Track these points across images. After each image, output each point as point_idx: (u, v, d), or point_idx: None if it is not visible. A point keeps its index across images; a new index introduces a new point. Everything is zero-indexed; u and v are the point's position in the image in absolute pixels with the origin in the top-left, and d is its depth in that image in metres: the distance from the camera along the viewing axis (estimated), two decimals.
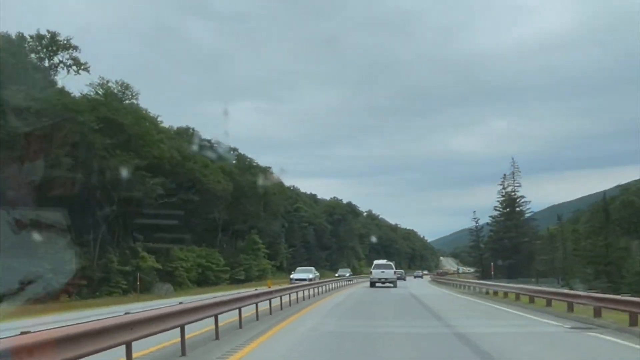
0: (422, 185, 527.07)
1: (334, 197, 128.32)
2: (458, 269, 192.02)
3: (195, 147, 60.12)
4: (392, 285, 40.50)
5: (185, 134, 63.48)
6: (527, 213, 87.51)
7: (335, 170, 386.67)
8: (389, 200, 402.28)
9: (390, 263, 44.56)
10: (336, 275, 64.54)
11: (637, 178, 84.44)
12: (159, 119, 49.18)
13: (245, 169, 61.43)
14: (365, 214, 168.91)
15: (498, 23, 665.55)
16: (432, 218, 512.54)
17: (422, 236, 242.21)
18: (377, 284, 40.75)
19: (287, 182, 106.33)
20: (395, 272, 43.14)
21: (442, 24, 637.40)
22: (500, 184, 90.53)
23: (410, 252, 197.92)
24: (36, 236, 26.43)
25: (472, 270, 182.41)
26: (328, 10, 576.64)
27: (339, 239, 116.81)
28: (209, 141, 67.93)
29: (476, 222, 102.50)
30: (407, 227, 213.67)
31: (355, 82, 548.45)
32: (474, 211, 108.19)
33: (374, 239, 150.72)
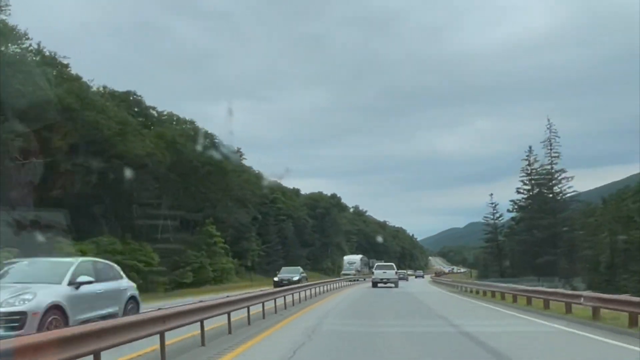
0: (409, 185, 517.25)
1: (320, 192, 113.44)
2: (453, 269, 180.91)
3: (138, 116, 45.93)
4: (393, 285, 40.13)
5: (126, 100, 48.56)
6: (570, 193, 64.66)
7: (321, 169, 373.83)
8: (375, 199, 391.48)
9: (392, 264, 45.26)
10: (275, 279, 38.51)
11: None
12: (65, 61, 34.40)
13: (195, 141, 46.33)
14: (352, 209, 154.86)
15: (484, 23, 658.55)
16: (419, 217, 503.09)
17: (411, 234, 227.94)
18: (379, 284, 40.27)
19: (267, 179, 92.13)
20: (396, 273, 43.00)
21: (428, 24, 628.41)
22: (525, 159, 69.58)
23: (399, 251, 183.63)
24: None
25: (462, 270, 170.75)
26: (315, 10, 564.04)
27: (323, 235, 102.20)
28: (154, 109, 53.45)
29: (494, 208, 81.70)
30: (396, 225, 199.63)
31: (342, 81, 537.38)
32: (491, 194, 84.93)
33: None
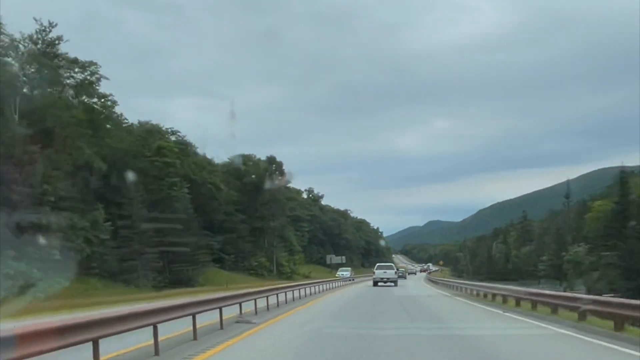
0: (367, 184, 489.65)
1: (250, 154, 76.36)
2: (428, 265, 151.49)
3: None
4: (393, 284, 41.41)
5: None
6: None
7: None
8: (332, 198, 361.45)
9: (392, 264, 50.80)
10: None
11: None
12: None
13: None
14: (305, 193, 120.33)
15: (439, 22, 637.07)
16: (378, 216, 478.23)
17: (375, 227, 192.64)
18: (379, 283, 41.54)
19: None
20: (396, 272, 45.61)
21: (383, 21, 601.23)
22: None
23: (363, 246, 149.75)
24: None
25: (436, 268, 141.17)
26: (268, 4, 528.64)
27: (253, 217, 67.04)
28: None
29: None
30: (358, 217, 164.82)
31: (297, 78, 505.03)
32: None
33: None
